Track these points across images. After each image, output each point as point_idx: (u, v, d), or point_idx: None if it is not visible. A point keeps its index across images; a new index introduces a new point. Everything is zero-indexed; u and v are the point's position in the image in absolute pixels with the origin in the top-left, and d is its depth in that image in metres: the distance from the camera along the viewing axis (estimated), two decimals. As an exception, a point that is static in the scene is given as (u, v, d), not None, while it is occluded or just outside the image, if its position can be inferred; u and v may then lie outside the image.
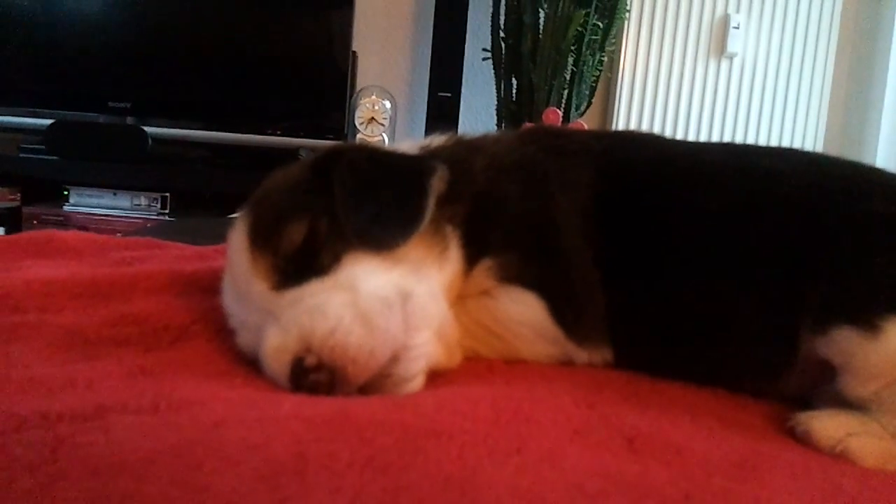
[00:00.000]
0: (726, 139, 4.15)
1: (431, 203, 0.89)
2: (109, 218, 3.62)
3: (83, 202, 3.67)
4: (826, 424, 0.82)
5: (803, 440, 0.82)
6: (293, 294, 0.84)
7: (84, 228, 3.37)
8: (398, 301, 0.84)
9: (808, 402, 0.90)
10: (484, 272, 0.95)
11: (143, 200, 3.69)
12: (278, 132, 3.94)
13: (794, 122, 4.16)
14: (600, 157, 1.03)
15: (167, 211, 3.69)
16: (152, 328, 0.93)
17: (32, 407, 0.68)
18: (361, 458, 0.60)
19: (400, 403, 0.74)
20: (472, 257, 0.95)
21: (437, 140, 1.10)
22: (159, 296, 1.01)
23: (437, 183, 0.91)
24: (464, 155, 1.03)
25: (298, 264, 0.86)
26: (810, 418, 0.83)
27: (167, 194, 3.69)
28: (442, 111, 4.02)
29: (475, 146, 1.06)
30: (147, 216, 3.64)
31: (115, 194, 3.69)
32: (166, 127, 3.85)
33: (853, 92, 4.31)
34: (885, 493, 0.70)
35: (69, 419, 0.66)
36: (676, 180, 1.00)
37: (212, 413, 0.69)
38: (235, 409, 0.71)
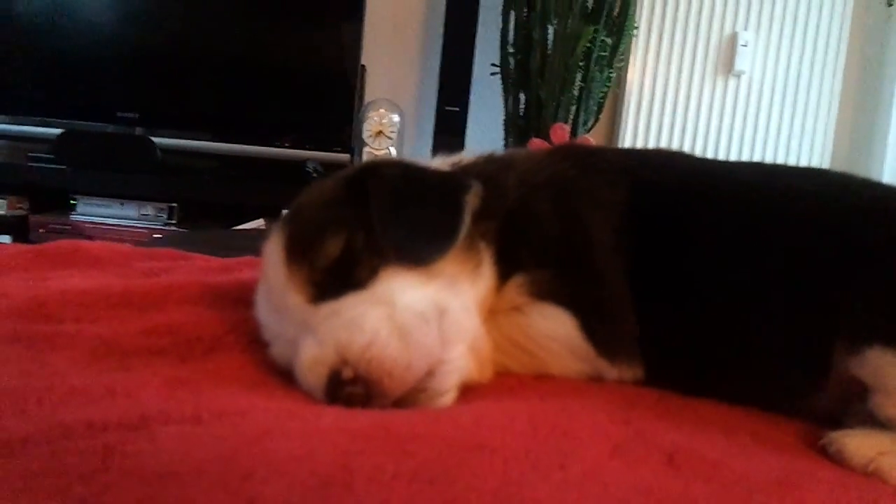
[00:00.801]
0: (733, 157, 4.16)
1: (467, 219, 0.90)
2: (117, 227, 3.62)
3: (91, 211, 3.67)
4: (859, 443, 0.83)
5: (835, 458, 0.82)
6: (330, 307, 0.85)
7: (91, 238, 3.37)
8: (434, 316, 0.85)
9: (839, 421, 0.90)
10: (515, 288, 0.96)
11: (150, 210, 3.69)
12: (286, 144, 3.95)
13: (801, 140, 4.17)
14: (632, 175, 1.03)
15: (175, 221, 3.69)
16: (186, 339, 0.93)
17: (76, 416, 0.69)
18: (407, 470, 0.61)
19: (437, 417, 0.75)
20: (504, 273, 0.96)
21: (468, 157, 1.11)
22: (191, 307, 1.02)
23: (472, 199, 0.92)
24: (496, 172, 1.03)
25: (335, 278, 0.87)
26: (843, 437, 0.84)
27: (175, 205, 3.69)
28: (450, 125, 4.03)
29: (507, 163, 1.07)
30: (154, 226, 3.64)
31: (122, 204, 3.69)
32: (175, 138, 3.85)
33: (861, 110, 4.32)
34: (922, 512, 0.71)
35: (115, 428, 0.67)
36: (709, 199, 1.00)
37: (254, 424, 0.70)
38: (277, 420, 0.72)
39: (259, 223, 3.35)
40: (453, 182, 0.96)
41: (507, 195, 1.00)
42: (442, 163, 1.08)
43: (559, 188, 1.02)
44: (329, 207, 0.94)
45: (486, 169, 1.05)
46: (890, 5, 4.28)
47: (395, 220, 0.89)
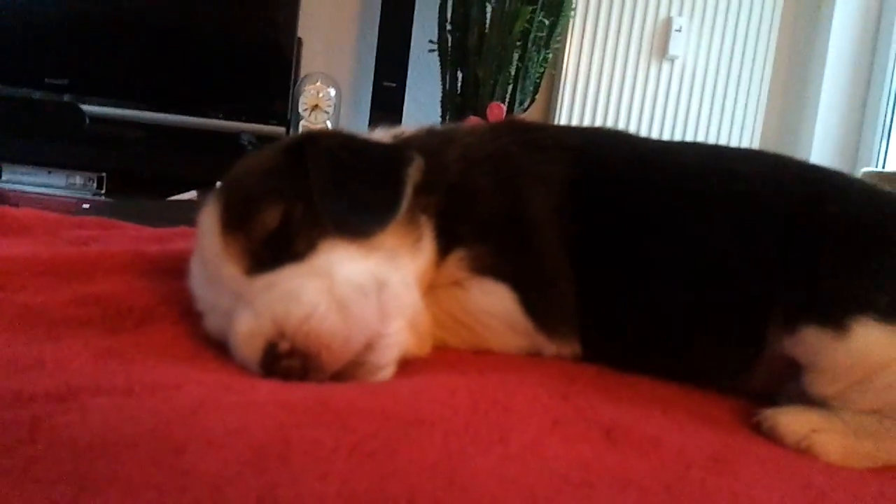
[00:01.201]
0: (667, 139, 4.20)
1: (409, 192, 0.89)
2: (44, 196, 3.53)
3: (17, 179, 3.57)
4: (791, 420, 0.84)
5: (769, 435, 0.84)
6: (266, 279, 0.83)
7: (16, 206, 3.28)
8: (374, 289, 0.84)
9: (772, 398, 0.92)
10: (456, 263, 0.95)
11: (78, 180, 3.60)
12: (220, 116, 3.89)
13: (732, 123, 4.24)
14: (573, 152, 1.03)
15: (103, 191, 3.61)
16: (116, 309, 0.91)
17: (2, 386, 0.66)
18: (346, 444, 0.60)
19: (376, 391, 0.74)
20: (444, 248, 0.95)
21: (409, 130, 1.09)
22: (122, 277, 0.99)
23: (414, 172, 0.91)
24: (437, 146, 1.02)
25: (272, 249, 0.85)
26: (776, 414, 0.85)
27: (104, 174, 3.61)
28: (387, 101, 4.01)
29: (448, 137, 1.06)
30: (83, 196, 3.56)
31: (49, 172, 3.59)
32: (105, 106, 3.76)
33: (789, 95, 4.41)
34: (852, 487, 0.72)
35: (43, 399, 0.65)
36: (648, 178, 1.01)
37: (187, 396, 0.68)
38: (212, 392, 0.70)
39: (191, 195, 3.29)
40: (395, 154, 0.95)
41: (448, 169, 0.99)
42: (383, 135, 1.07)
43: (500, 163, 1.01)
44: (267, 177, 0.92)
45: (428, 142, 1.04)
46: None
47: (335, 191, 0.88)
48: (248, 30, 4.01)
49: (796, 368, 0.89)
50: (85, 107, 3.66)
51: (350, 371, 0.81)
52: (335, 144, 0.95)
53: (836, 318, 0.85)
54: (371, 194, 0.90)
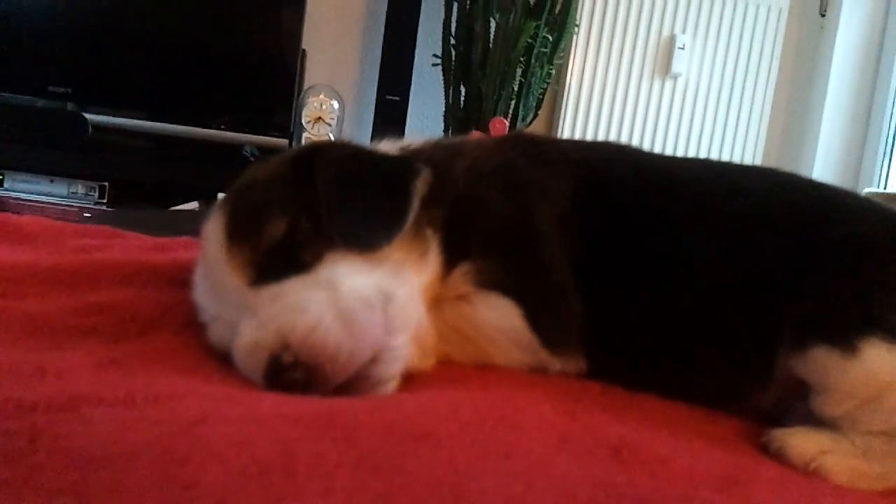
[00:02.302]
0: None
1: (416, 205, 0.88)
2: (45, 205, 3.52)
3: (19, 187, 3.56)
4: (800, 442, 0.83)
5: (777, 456, 0.83)
6: (271, 290, 0.83)
7: (18, 214, 3.27)
8: (379, 302, 0.83)
9: (779, 419, 0.91)
10: (461, 277, 0.94)
11: (80, 189, 3.59)
12: (222, 127, 3.88)
13: (734, 141, 4.24)
14: (581, 166, 1.03)
15: (105, 201, 3.60)
16: (119, 318, 0.90)
17: (3, 395, 0.66)
18: (350, 459, 0.59)
19: (381, 405, 0.73)
20: (450, 261, 0.94)
21: (416, 142, 1.09)
22: (125, 286, 0.99)
23: (421, 185, 0.90)
24: (444, 158, 1.02)
25: (277, 260, 0.85)
26: (784, 435, 0.84)
27: (105, 184, 3.60)
28: (389, 114, 4.01)
29: (456, 150, 1.06)
30: (84, 205, 3.55)
31: (51, 181, 3.58)
32: (107, 115, 3.76)
33: (792, 114, 4.42)
34: (862, 510, 0.72)
35: (44, 409, 0.64)
36: (656, 195, 1.00)
37: (190, 408, 0.67)
38: (215, 404, 0.69)
39: (193, 206, 3.29)
40: (403, 167, 0.94)
41: (455, 182, 0.98)
42: (390, 147, 1.06)
43: (507, 177, 1.00)
44: (274, 187, 0.91)
45: (435, 155, 1.03)
46: (823, 15, 4.37)
47: (343, 203, 0.87)
48: (253, 41, 4.01)
49: (804, 388, 0.88)
50: (88, 115, 3.66)
51: (354, 384, 0.80)
52: (343, 155, 0.94)
53: (845, 338, 0.85)
54: (378, 206, 0.89)
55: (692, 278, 0.95)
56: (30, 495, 0.53)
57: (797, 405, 0.90)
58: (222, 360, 0.84)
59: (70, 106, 3.77)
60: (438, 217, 0.94)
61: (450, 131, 3.96)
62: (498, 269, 0.95)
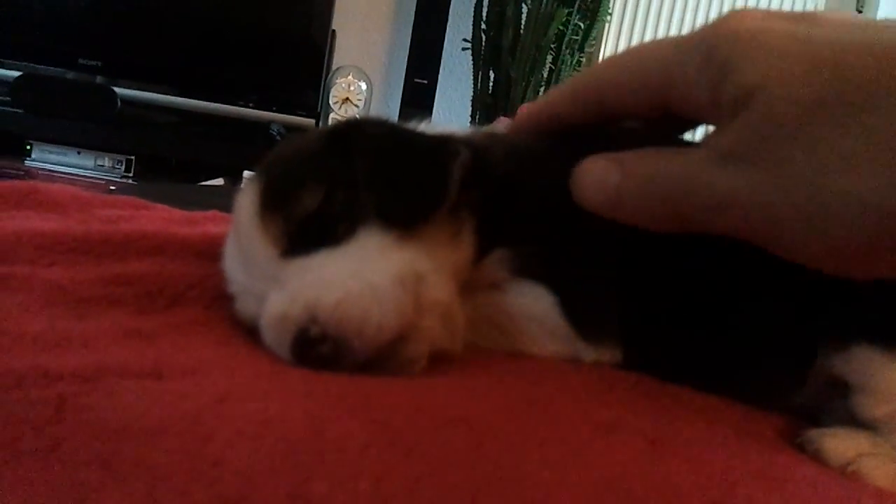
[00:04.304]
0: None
1: (455, 185, 0.87)
2: (72, 176, 3.55)
3: (46, 158, 3.60)
4: (838, 443, 0.81)
5: (814, 457, 0.80)
6: (302, 262, 0.82)
7: (45, 185, 3.29)
8: (410, 280, 0.82)
9: (816, 417, 0.89)
10: (496, 263, 0.92)
11: (107, 162, 3.61)
12: (250, 104, 3.89)
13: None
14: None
15: (131, 174, 3.62)
16: (147, 290, 0.89)
17: (29, 363, 0.65)
18: (380, 440, 0.58)
19: (409, 386, 0.72)
20: (484, 247, 0.92)
21: (452, 127, 1.07)
22: (154, 257, 0.98)
23: (460, 166, 0.89)
24: (484, 141, 1.00)
25: (311, 232, 0.83)
26: (822, 436, 0.82)
27: (132, 157, 3.62)
28: (417, 97, 4.01)
29: (496, 135, 1.04)
30: (110, 178, 3.57)
31: (79, 153, 3.61)
32: (137, 89, 3.77)
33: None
34: (904, 513, 0.70)
35: (69, 378, 0.63)
36: None
37: (218, 383, 0.66)
38: (243, 380, 0.69)
39: (218, 182, 3.29)
40: (443, 146, 0.92)
41: (494, 166, 0.96)
42: (427, 128, 1.05)
43: (549, 162, 0.98)
44: (310, 159, 0.90)
45: (474, 138, 1.01)
46: (859, 12, 4.32)
47: (381, 177, 0.86)
48: (283, 20, 4.02)
49: (843, 387, 0.86)
50: (117, 89, 3.67)
51: (381, 362, 0.78)
52: (383, 132, 0.93)
53: (889, 337, 0.82)
54: (417, 183, 0.87)
55: (733, 270, 0.92)
56: (56, 465, 0.52)
57: (836, 404, 0.88)
58: (251, 334, 0.83)
59: (99, 79, 3.79)
60: (475, 201, 0.92)
61: (477, 117, 3.95)
62: (533, 256, 0.93)
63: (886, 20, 0.68)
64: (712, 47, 0.70)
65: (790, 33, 0.67)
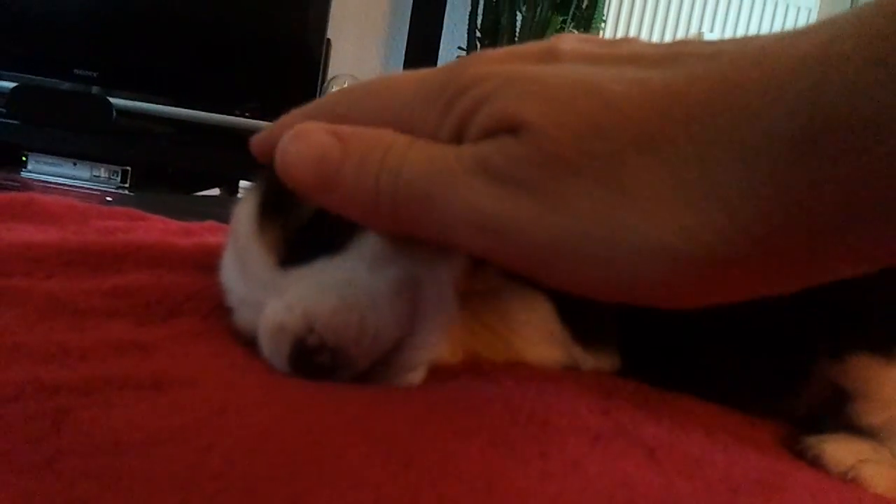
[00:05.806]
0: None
1: None
2: (68, 187, 3.54)
3: (42, 170, 3.59)
4: (837, 450, 0.81)
5: (813, 463, 0.81)
6: (300, 271, 0.81)
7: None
8: (409, 288, 0.81)
9: (814, 424, 0.89)
10: (492, 269, 0.92)
11: (103, 172, 3.60)
12: (246, 114, 3.89)
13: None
14: None
15: (127, 185, 3.61)
16: (145, 301, 0.89)
17: (26, 375, 0.65)
18: (380, 451, 0.58)
19: (408, 396, 0.72)
20: None
21: None
22: (151, 269, 0.97)
23: None
24: None
25: (308, 240, 0.83)
26: (821, 443, 0.82)
27: (128, 168, 3.61)
28: (413, 106, 4.01)
29: None
30: (106, 189, 3.56)
31: (75, 164, 3.60)
32: (132, 100, 3.77)
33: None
34: (905, 520, 0.70)
35: (67, 391, 0.63)
36: None
37: (216, 394, 0.66)
38: (242, 391, 0.68)
39: (215, 192, 3.29)
40: None
41: None
42: None
43: None
44: None
45: None
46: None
47: None
48: (278, 30, 4.02)
49: (841, 394, 0.86)
50: (112, 100, 3.67)
51: (379, 372, 0.78)
52: None
53: (887, 344, 0.83)
54: None
55: None
56: (53, 479, 0.52)
57: (834, 411, 0.88)
58: (248, 345, 0.82)
59: (95, 90, 3.79)
60: None
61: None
62: None
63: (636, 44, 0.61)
64: (457, 94, 0.61)
65: (541, 72, 0.61)
